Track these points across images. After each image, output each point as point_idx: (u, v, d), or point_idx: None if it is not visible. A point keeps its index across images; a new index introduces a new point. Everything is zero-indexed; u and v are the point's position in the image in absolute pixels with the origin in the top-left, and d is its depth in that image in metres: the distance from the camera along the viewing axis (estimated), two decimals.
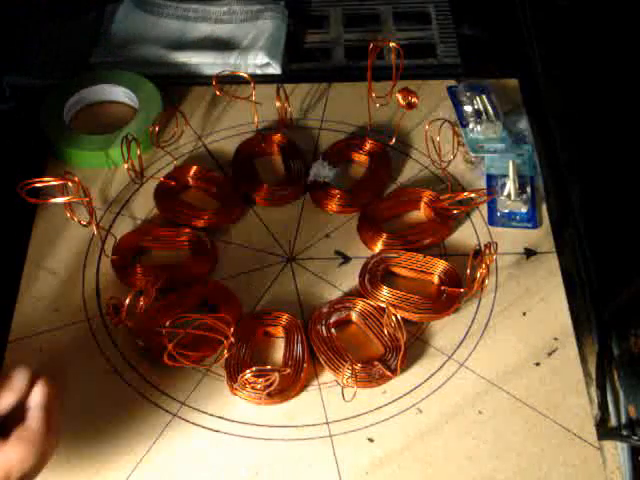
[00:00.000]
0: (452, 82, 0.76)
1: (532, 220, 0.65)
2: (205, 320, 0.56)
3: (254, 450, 0.53)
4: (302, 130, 0.73)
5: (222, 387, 0.55)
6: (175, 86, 0.77)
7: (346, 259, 0.62)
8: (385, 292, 0.59)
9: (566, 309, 0.59)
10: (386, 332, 0.57)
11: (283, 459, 0.52)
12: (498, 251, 0.60)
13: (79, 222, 0.59)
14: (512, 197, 0.65)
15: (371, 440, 0.53)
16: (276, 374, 0.52)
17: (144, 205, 0.67)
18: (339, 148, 0.70)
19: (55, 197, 0.56)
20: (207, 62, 0.78)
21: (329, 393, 0.55)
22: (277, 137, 0.71)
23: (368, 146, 0.70)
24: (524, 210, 0.65)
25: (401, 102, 0.67)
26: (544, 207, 0.66)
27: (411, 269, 0.61)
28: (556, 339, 0.58)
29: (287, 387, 0.54)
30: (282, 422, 0.54)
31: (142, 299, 0.56)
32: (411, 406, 0.55)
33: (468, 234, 0.64)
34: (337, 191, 0.66)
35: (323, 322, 0.58)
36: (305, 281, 0.61)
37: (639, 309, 0.59)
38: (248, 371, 0.52)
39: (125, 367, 0.57)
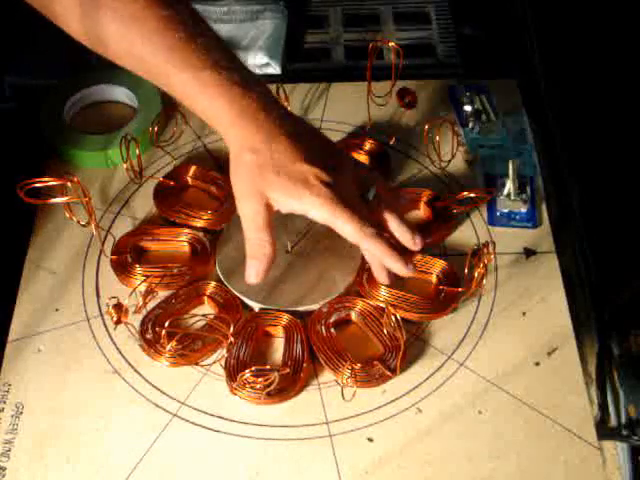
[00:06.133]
0: (452, 82, 0.76)
1: (532, 220, 0.65)
2: (205, 320, 0.57)
3: (254, 450, 0.53)
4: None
5: (222, 387, 0.55)
6: None
7: None
8: (383, 292, 0.59)
9: (566, 309, 0.59)
10: (386, 332, 0.57)
11: (283, 459, 0.52)
12: (497, 251, 0.61)
13: (78, 222, 0.59)
14: (512, 197, 0.65)
15: (371, 440, 0.53)
16: (275, 374, 0.52)
17: (143, 205, 0.67)
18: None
19: (54, 197, 0.56)
20: None
21: (329, 393, 0.55)
22: None
23: (368, 146, 0.70)
24: (524, 210, 0.65)
25: (401, 102, 0.67)
26: (544, 207, 0.66)
27: None
28: (556, 339, 0.58)
29: (287, 387, 0.54)
30: (282, 422, 0.54)
31: (143, 298, 0.56)
32: (411, 406, 0.55)
33: (468, 234, 0.64)
34: None
35: (323, 322, 0.58)
36: None
37: (639, 309, 0.59)
38: (247, 371, 0.52)
39: (125, 367, 0.57)
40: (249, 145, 0.53)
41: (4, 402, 0.55)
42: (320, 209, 0.52)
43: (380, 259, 0.55)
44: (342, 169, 0.55)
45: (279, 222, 0.63)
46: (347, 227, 0.53)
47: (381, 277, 0.57)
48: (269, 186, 0.53)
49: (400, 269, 0.55)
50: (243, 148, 0.53)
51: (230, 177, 0.55)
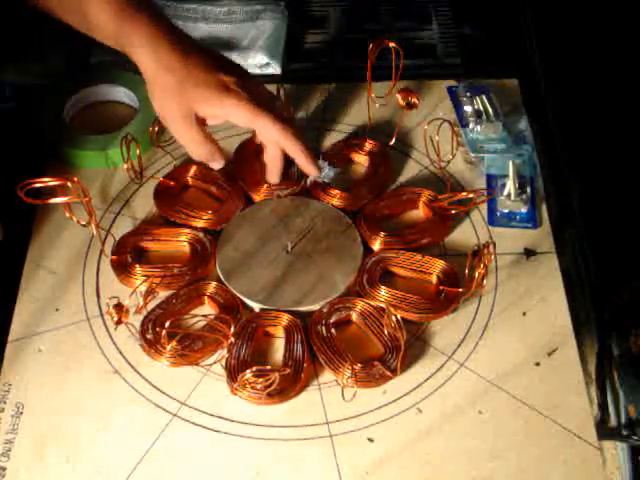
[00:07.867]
0: (452, 82, 0.76)
1: (532, 220, 0.65)
2: (205, 320, 0.57)
3: (254, 450, 0.53)
4: (302, 130, 0.73)
5: (222, 387, 0.55)
6: None
7: None
8: (383, 292, 0.59)
9: (566, 309, 0.59)
10: (386, 332, 0.57)
11: (283, 459, 0.52)
12: (498, 251, 0.61)
13: (78, 222, 0.59)
14: (512, 197, 0.65)
15: (371, 440, 0.53)
16: (276, 374, 0.52)
17: (144, 205, 0.67)
18: (339, 148, 0.70)
19: (55, 197, 0.56)
20: None
21: (329, 393, 0.55)
22: None
23: (368, 146, 0.70)
24: (524, 210, 0.65)
25: (401, 102, 0.67)
26: (544, 207, 0.66)
27: (410, 269, 0.61)
28: (556, 339, 0.58)
29: (287, 387, 0.54)
30: (282, 422, 0.54)
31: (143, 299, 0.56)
32: (411, 406, 0.55)
33: (468, 234, 0.64)
34: (337, 191, 0.66)
35: (323, 322, 0.58)
36: None
37: (639, 309, 0.59)
38: (248, 371, 0.52)
39: (125, 367, 0.57)
40: (164, 64, 0.57)
41: (4, 402, 0.55)
42: (241, 112, 0.58)
43: (295, 156, 0.61)
44: (249, 76, 0.61)
45: (279, 222, 0.64)
46: (269, 126, 0.58)
47: (274, 178, 0.64)
48: (192, 99, 0.57)
49: (312, 168, 0.62)
50: (159, 68, 0.57)
51: (152, 101, 0.60)
